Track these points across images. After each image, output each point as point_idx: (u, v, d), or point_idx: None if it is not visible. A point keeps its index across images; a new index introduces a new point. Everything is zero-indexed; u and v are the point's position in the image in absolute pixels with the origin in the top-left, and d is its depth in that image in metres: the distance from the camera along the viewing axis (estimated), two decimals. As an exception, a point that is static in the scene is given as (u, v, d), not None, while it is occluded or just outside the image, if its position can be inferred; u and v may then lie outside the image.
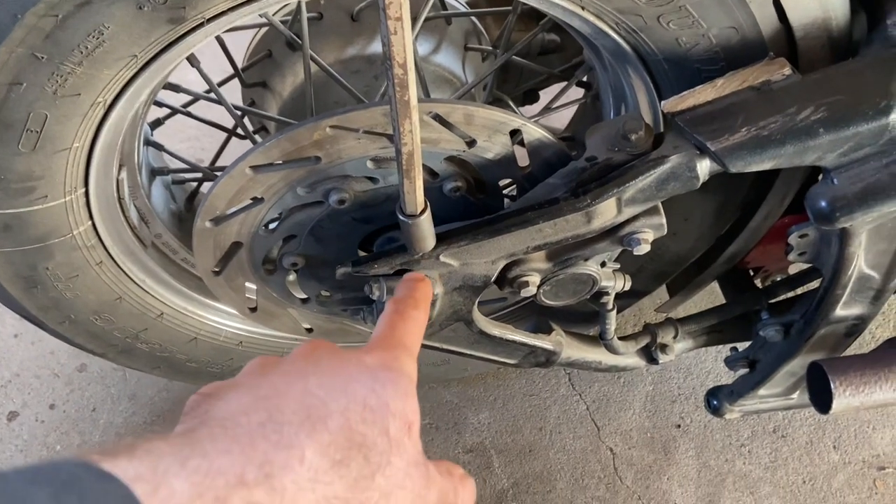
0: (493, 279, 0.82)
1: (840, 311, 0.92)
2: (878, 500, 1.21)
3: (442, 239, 0.76)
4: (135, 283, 0.94)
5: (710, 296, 1.28)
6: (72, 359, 1.38)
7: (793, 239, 0.86)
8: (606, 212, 0.76)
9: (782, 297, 1.05)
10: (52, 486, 0.33)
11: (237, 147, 1.04)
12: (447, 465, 0.55)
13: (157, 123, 1.03)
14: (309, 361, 0.50)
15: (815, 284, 0.99)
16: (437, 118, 0.73)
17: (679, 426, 1.30)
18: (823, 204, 0.76)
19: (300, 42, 0.83)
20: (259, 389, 0.46)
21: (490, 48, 1.06)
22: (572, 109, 1.17)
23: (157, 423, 1.31)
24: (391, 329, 0.59)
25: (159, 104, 1.00)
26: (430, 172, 0.78)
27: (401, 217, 0.71)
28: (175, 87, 0.96)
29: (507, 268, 0.82)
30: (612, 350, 1.03)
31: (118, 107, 0.72)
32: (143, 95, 0.75)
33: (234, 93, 1.13)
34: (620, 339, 1.04)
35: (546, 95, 1.22)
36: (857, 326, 0.95)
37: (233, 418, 0.42)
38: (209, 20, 0.66)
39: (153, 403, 1.34)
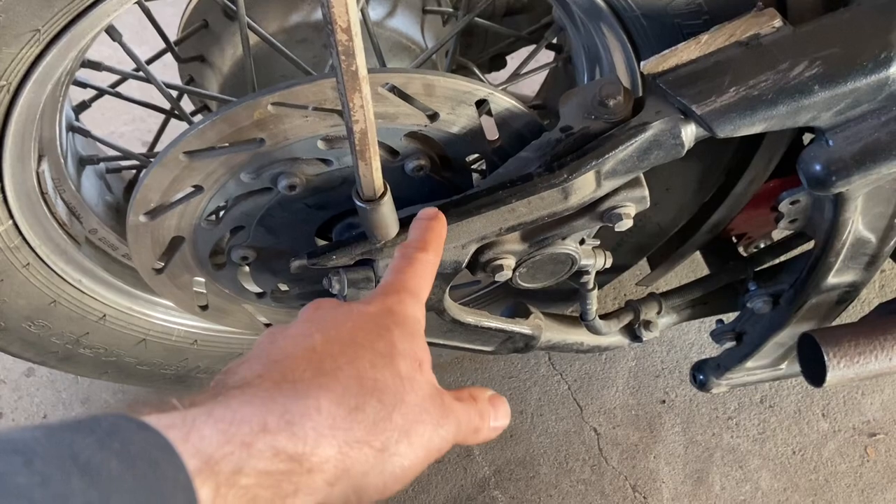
0: (464, 265, 0.75)
1: (832, 279, 0.87)
2: (870, 467, 1.18)
3: (406, 224, 0.69)
4: (70, 284, 0.86)
5: (692, 265, 1.23)
6: (18, 363, 1.29)
7: (783, 206, 0.81)
8: (585, 186, 0.70)
9: (768, 264, 1.00)
10: (95, 435, 0.34)
11: (180, 129, 0.95)
12: (470, 391, 0.56)
13: (83, 106, 0.93)
14: (313, 321, 0.51)
15: (801, 249, 0.95)
16: (394, 90, 0.65)
17: (664, 402, 1.26)
18: (818, 168, 0.70)
19: (235, 10, 0.74)
20: (270, 356, 0.47)
21: (450, 10, 0.98)
22: (542, 75, 1.10)
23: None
24: (396, 274, 0.59)
25: (83, 85, 0.90)
26: (389, 151, 0.71)
27: (358, 203, 0.63)
28: (96, 66, 0.86)
29: (478, 251, 0.75)
30: (593, 330, 0.97)
31: (27, 90, 0.64)
32: (55, 76, 0.66)
33: (173, 68, 1.04)
34: (602, 318, 0.98)
35: (513, 60, 1.14)
36: (849, 293, 0.91)
37: (250, 382, 0.45)
38: (120, -15, 0.57)
39: (108, 407, 1.26)
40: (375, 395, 0.46)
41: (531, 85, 1.25)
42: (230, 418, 0.40)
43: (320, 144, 0.68)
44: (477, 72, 0.98)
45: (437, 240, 0.64)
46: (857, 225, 0.80)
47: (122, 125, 1.55)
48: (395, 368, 0.48)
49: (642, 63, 0.68)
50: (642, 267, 1.09)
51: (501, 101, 0.69)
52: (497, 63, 1.11)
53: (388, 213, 0.65)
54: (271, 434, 0.40)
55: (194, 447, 0.37)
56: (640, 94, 0.78)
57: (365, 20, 0.83)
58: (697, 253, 1.06)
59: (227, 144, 0.66)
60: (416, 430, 0.48)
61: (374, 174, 0.60)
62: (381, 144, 0.67)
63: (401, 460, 0.47)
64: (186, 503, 0.36)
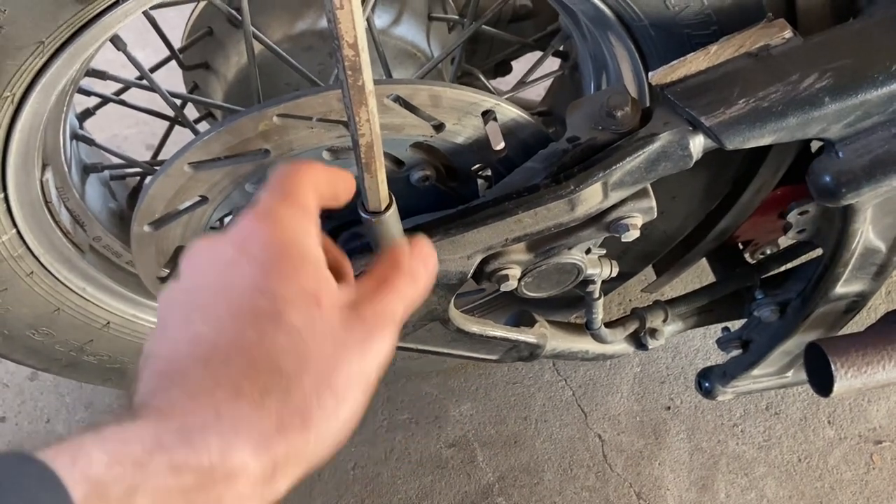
0: (469, 275, 0.75)
1: (840, 289, 0.87)
2: (875, 475, 1.18)
3: (412, 234, 0.68)
4: (74, 292, 0.86)
5: (698, 271, 1.22)
6: (21, 367, 1.28)
7: (792, 216, 0.80)
8: (591, 198, 0.69)
9: (775, 271, 1.00)
10: None
11: (185, 135, 0.94)
12: (387, 267, 0.49)
13: (86, 114, 0.93)
14: (192, 296, 0.44)
15: (808, 256, 0.94)
16: (400, 101, 0.65)
17: (669, 408, 1.25)
18: (828, 180, 0.70)
19: (240, 18, 0.74)
20: (159, 363, 0.42)
21: (456, 17, 0.97)
22: (548, 82, 1.09)
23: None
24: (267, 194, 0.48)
25: (87, 93, 0.90)
26: (394, 161, 0.70)
27: (363, 215, 0.63)
28: (101, 75, 0.86)
29: (484, 261, 0.75)
30: (599, 339, 0.97)
31: (31, 101, 0.63)
32: (59, 86, 0.66)
33: (177, 72, 1.04)
34: (607, 326, 0.98)
35: (518, 66, 1.14)
36: (857, 303, 0.90)
37: (145, 402, 0.40)
38: (125, -3, 0.57)
39: (112, 411, 1.25)
40: (274, 371, 0.41)
41: (536, 90, 1.24)
42: (121, 437, 0.36)
43: (325, 155, 0.68)
44: (482, 78, 0.98)
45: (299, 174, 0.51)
46: (867, 235, 0.79)
47: (126, 129, 1.55)
48: (286, 325, 0.42)
49: (650, 74, 0.67)
50: (648, 273, 1.09)
51: (508, 112, 0.69)
52: (502, 69, 1.10)
53: (393, 225, 0.65)
54: (166, 451, 0.37)
55: (81, 473, 0.34)
56: (648, 104, 0.78)
57: (370, 29, 0.82)
58: (703, 260, 1.05)
59: (232, 155, 0.66)
60: (337, 376, 0.43)
61: (379, 186, 0.60)
62: (386, 155, 0.67)
63: (335, 417, 0.42)
64: None
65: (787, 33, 0.65)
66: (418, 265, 0.51)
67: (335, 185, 0.51)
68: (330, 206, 0.51)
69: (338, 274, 0.48)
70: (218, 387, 0.40)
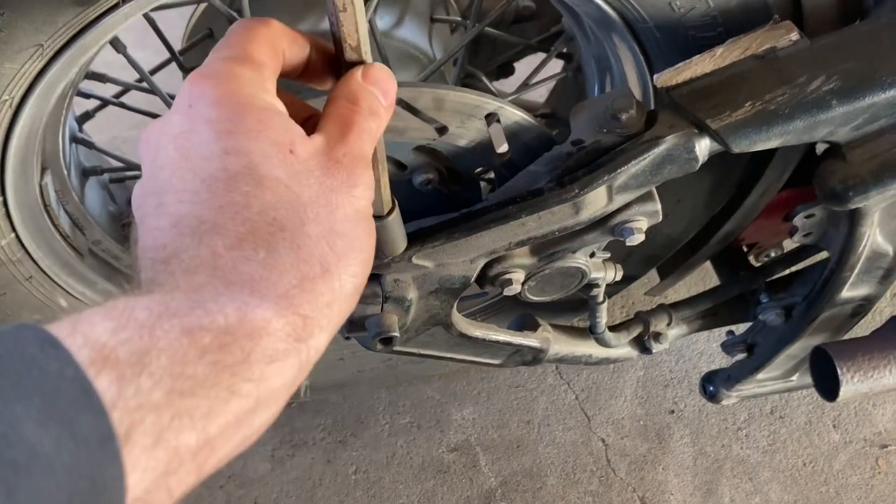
0: (472, 279, 0.74)
1: (846, 293, 0.86)
2: (881, 479, 1.17)
3: (414, 239, 0.68)
4: (73, 296, 0.85)
5: (702, 274, 1.22)
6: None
7: (798, 220, 0.80)
8: (596, 201, 0.68)
9: (780, 275, 0.99)
10: None
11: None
12: (344, 98, 0.46)
13: (86, 117, 0.92)
14: (163, 175, 0.41)
15: (813, 259, 0.94)
16: (402, 104, 0.64)
17: (673, 412, 1.25)
18: (835, 183, 0.69)
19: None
20: (147, 241, 0.40)
21: (459, 19, 0.97)
22: (551, 83, 1.09)
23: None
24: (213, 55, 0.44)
25: (86, 95, 0.89)
26: (397, 165, 0.70)
27: (366, 219, 0.62)
28: (100, 77, 0.85)
29: (487, 265, 0.74)
30: (603, 343, 0.96)
31: (29, 104, 0.63)
32: (58, 89, 0.65)
33: (178, 74, 1.03)
34: (611, 330, 0.97)
35: (521, 66, 1.13)
36: (863, 307, 0.90)
37: (146, 280, 0.38)
38: (125, 0, 0.56)
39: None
40: (274, 227, 0.39)
41: (540, 90, 1.24)
42: (122, 307, 0.33)
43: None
44: (485, 80, 0.97)
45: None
46: (874, 239, 0.79)
47: (126, 130, 1.54)
48: (268, 179, 0.39)
49: (655, 76, 0.67)
50: (651, 276, 1.08)
51: (511, 115, 0.68)
52: (505, 70, 1.10)
53: (396, 229, 0.64)
54: (177, 315, 0.34)
55: (84, 337, 0.31)
56: (653, 106, 0.77)
57: (373, 31, 0.82)
58: (708, 263, 1.04)
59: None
60: (337, 218, 0.41)
61: (382, 191, 0.59)
62: (389, 158, 0.66)
63: (351, 257, 0.41)
64: (79, 398, 0.29)
65: (794, 35, 0.65)
66: (375, 98, 0.47)
67: (296, 43, 0.46)
68: (292, 69, 0.47)
69: (309, 128, 0.46)
70: (217, 256, 0.38)
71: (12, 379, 0.28)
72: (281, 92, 0.45)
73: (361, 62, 0.47)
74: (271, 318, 0.36)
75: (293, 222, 0.40)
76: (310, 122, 0.47)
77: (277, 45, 0.44)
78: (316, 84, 0.50)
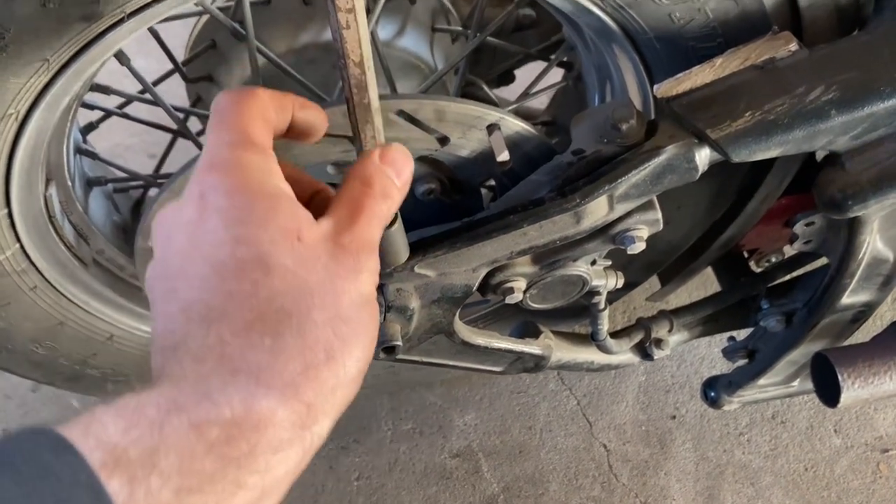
0: (474, 288, 0.74)
1: (847, 299, 0.86)
2: (882, 483, 1.17)
3: (416, 249, 0.68)
4: (77, 305, 0.85)
5: (702, 279, 1.22)
6: (24, 379, 1.28)
7: (798, 228, 0.80)
8: (597, 210, 0.69)
9: (780, 280, 0.99)
10: None
11: (187, 147, 0.94)
12: (355, 184, 0.48)
13: (90, 128, 0.93)
14: (172, 266, 0.42)
15: (814, 265, 0.94)
16: (404, 115, 0.65)
17: (674, 417, 1.25)
18: (834, 192, 0.70)
19: (244, 33, 0.74)
20: (160, 335, 0.41)
21: (460, 28, 0.97)
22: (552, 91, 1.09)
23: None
24: (210, 143, 0.45)
25: (90, 107, 0.90)
26: (399, 175, 0.70)
27: (368, 230, 0.63)
28: (104, 90, 0.86)
29: (489, 274, 0.74)
30: (604, 350, 0.96)
31: (35, 117, 0.63)
32: (63, 102, 0.66)
33: (181, 83, 1.03)
34: (613, 336, 0.97)
35: (522, 74, 1.14)
36: (863, 313, 0.90)
37: (155, 377, 0.39)
38: (130, 15, 0.56)
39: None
40: (280, 314, 0.40)
41: (540, 97, 1.24)
42: (133, 405, 0.35)
43: (330, 169, 0.67)
44: (486, 88, 0.98)
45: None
46: (874, 246, 0.79)
47: (129, 137, 1.55)
48: (276, 267, 0.40)
49: (655, 86, 0.67)
50: (653, 282, 1.08)
51: (512, 125, 0.69)
52: (506, 78, 1.10)
53: (398, 239, 0.65)
54: (184, 410, 0.35)
55: (96, 439, 0.33)
56: (653, 116, 0.78)
57: (374, 42, 0.82)
58: (709, 269, 1.05)
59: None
60: (342, 304, 0.42)
61: (385, 202, 0.59)
62: (391, 169, 0.67)
63: (355, 343, 0.42)
64: (92, 503, 0.31)
65: (793, 46, 0.65)
66: (389, 180, 0.49)
67: (282, 108, 0.47)
68: (279, 132, 0.48)
69: (316, 204, 0.47)
70: (224, 344, 0.38)
71: (29, 487, 0.30)
72: (286, 166, 0.46)
73: (374, 142, 0.49)
74: (276, 408, 0.37)
75: (299, 309, 0.40)
76: (318, 198, 0.49)
77: (269, 117, 0.45)
78: (302, 141, 0.51)
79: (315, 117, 0.50)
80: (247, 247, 0.40)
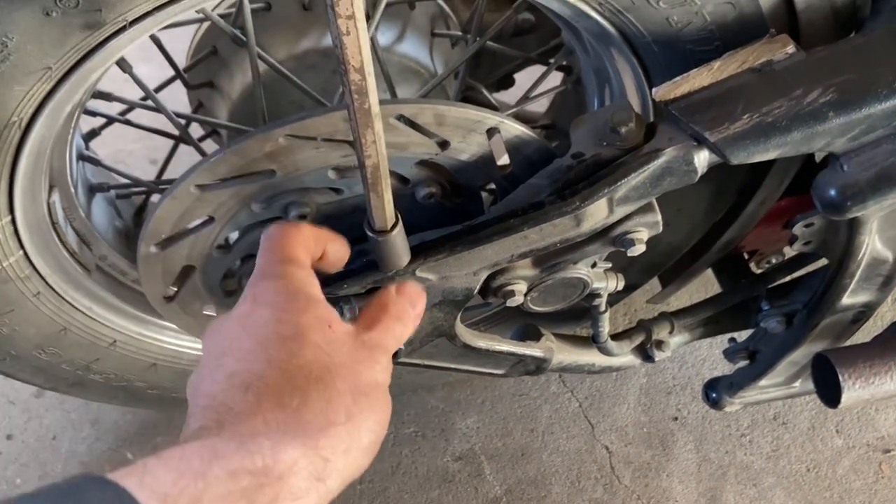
0: (476, 291, 0.75)
1: (847, 300, 0.87)
2: (884, 484, 1.17)
3: (417, 252, 0.68)
4: (80, 311, 0.86)
5: (703, 280, 1.22)
6: (27, 385, 1.29)
7: (797, 229, 0.80)
8: (597, 213, 0.69)
9: (781, 281, 0.99)
10: (52, 499, 0.37)
11: (189, 153, 0.95)
12: (377, 303, 0.60)
13: (92, 135, 0.93)
14: (220, 346, 0.51)
15: (814, 266, 0.94)
16: (405, 120, 0.65)
17: (676, 419, 1.25)
18: (833, 193, 0.70)
19: (245, 39, 0.74)
20: (202, 401, 0.48)
21: (459, 33, 0.98)
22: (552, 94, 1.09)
23: (123, 448, 1.23)
24: (263, 259, 0.57)
25: (92, 113, 0.90)
26: (400, 179, 0.70)
27: (370, 234, 0.63)
28: (106, 97, 0.86)
29: (490, 277, 0.75)
30: (605, 352, 0.97)
31: (38, 125, 0.64)
32: (66, 110, 0.66)
33: (183, 89, 1.04)
34: (613, 338, 0.97)
35: (522, 77, 1.14)
36: (864, 313, 0.90)
37: (196, 433, 0.45)
38: (132, 22, 0.57)
39: (118, 428, 1.25)
40: (311, 380, 0.48)
41: (541, 100, 1.24)
42: (179, 456, 0.41)
43: (331, 174, 0.68)
44: (485, 93, 0.98)
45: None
46: (873, 246, 0.79)
47: (131, 143, 1.55)
48: (310, 342, 0.49)
49: (654, 90, 0.67)
50: (654, 284, 1.08)
51: (512, 129, 0.69)
52: (505, 82, 1.11)
53: (399, 243, 0.65)
54: (223, 459, 0.41)
55: (150, 489, 0.39)
56: (652, 118, 0.78)
57: (374, 47, 0.83)
58: (709, 270, 1.05)
59: (238, 176, 0.66)
60: (361, 380, 0.50)
61: (386, 206, 0.60)
62: (392, 173, 0.67)
63: (370, 415, 0.49)
64: None
65: (790, 48, 0.65)
66: (405, 307, 0.60)
67: (319, 241, 0.59)
68: (318, 266, 0.59)
69: None
70: (261, 401, 0.46)
71: None
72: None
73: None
74: (298, 458, 0.44)
75: (326, 376, 0.49)
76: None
77: (309, 245, 0.57)
78: (328, 269, 0.62)
79: (340, 249, 0.62)
80: (288, 326, 0.50)
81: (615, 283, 0.83)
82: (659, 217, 0.72)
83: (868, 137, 0.67)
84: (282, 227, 0.57)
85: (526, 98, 0.94)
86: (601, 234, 0.72)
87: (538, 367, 0.92)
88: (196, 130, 1.10)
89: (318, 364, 0.49)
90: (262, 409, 0.45)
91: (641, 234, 0.73)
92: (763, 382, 1.01)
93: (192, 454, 0.41)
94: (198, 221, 0.69)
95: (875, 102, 0.64)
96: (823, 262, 0.87)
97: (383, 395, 0.52)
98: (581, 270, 0.78)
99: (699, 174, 0.68)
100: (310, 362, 0.49)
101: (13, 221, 0.72)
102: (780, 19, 0.66)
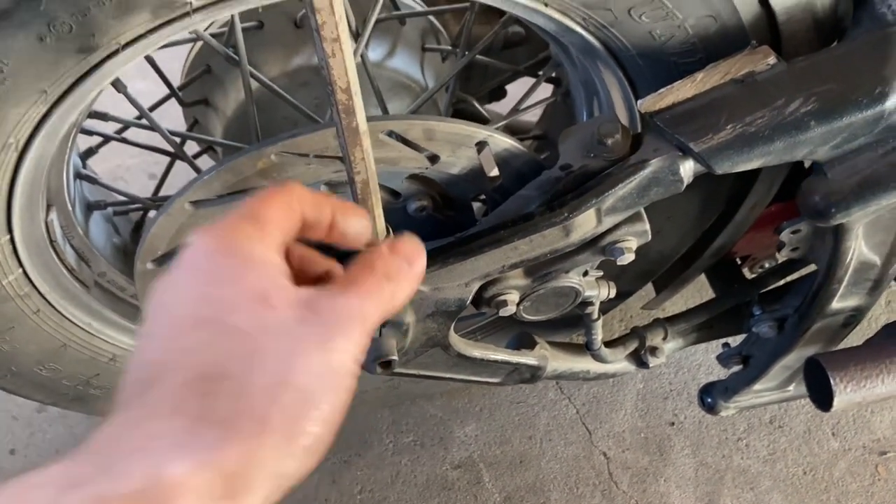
0: (468, 301, 0.76)
1: (836, 304, 0.87)
2: (881, 486, 1.18)
3: (409, 264, 0.69)
4: (80, 327, 0.87)
5: (697, 285, 1.23)
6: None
7: (785, 235, 0.81)
8: (586, 223, 0.70)
9: (772, 286, 1.00)
10: None
11: (186, 169, 0.96)
12: (362, 260, 0.47)
13: (89, 153, 0.94)
14: (144, 328, 0.42)
15: (807, 270, 0.95)
16: (394, 136, 0.66)
17: (673, 424, 1.26)
18: (817, 200, 0.71)
19: (237, 58, 0.75)
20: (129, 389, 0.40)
21: (450, 47, 0.99)
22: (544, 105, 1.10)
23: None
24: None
25: (89, 132, 0.91)
26: (391, 193, 0.71)
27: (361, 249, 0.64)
28: (102, 116, 0.88)
29: (482, 287, 0.76)
30: (599, 359, 0.97)
31: (35, 146, 0.65)
32: (62, 131, 0.68)
33: (178, 108, 1.05)
34: (607, 345, 0.98)
35: (513, 88, 1.15)
36: (854, 317, 0.91)
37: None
38: (125, 46, 0.58)
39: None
40: (219, 376, 0.38)
41: (534, 111, 1.25)
42: (30, 484, 0.34)
43: (323, 189, 0.69)
44: (476, 105, 0.99)
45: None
46: (860, 251, 0.80)
47: (129, 158, 1.57)
48: (229, 328, 0.39)
49: (639, 102, 0.69)
50: (648, 289, 1.09)
51: (501, 142, 0.70)
52: (496, 94, 1.12)
53: (391, 257, 0.66)
54: (80, 486, 0.33)
55: None
56: (638, 130, 0.79)
57: (364, 63, 0.84)
58: (703, 275, 1.06)
59: (232, 192, 0.67)
60: (296, 372, 0.39)
61: (376, 221, 0.61)
62: (382, 187, 0.68)
63: (303, 416, 0.39)
64: None
65: (772, 59, 0.67)
66: (399, 265, 0.48)
67: (317, 207, 0.47)
68: (316, 230, 0.48)
69: (323, 282, 0.46)
70: (158, 405, 0.37)
71: None
72: (298, 246, 0.47)
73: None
74: (189, 477, 0.35)
75: (241, 372, 0.38)
76: (326, 276, 0.48)
77: (294, 206, 0.45)
78: (342, 245, 0.50)
79: (356, 226, 0.49)
80: (207, 306, 0.40)
81: (607, 291, 0.84)
82: (647, 226, 0.73)
83: (851, 145, 0.68)
84: (271, 187, 0.47)
85: (515, 110, 0.95)
86: (591, 244, 0.73)
87: (533, 375, 0.93)
88: (193, 147, 1.11)
89: (236, 355, 0.38)
90: (156, 413, 0.36)
91: (630, 244, 0.74)
92: (757, 387, 1.02)
93: (45, 483, 0.34)
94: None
95: (856, 111, 0.65)
96: (814, 267, 0.88)
97: (332, 385, 0.40)
98: (573, 279, 0.79)
99: (685, 184, 0.69)
100: (225, 353, 0.38)
101: (12, 240, 0.73)
102: (762, 31, 0.68)
